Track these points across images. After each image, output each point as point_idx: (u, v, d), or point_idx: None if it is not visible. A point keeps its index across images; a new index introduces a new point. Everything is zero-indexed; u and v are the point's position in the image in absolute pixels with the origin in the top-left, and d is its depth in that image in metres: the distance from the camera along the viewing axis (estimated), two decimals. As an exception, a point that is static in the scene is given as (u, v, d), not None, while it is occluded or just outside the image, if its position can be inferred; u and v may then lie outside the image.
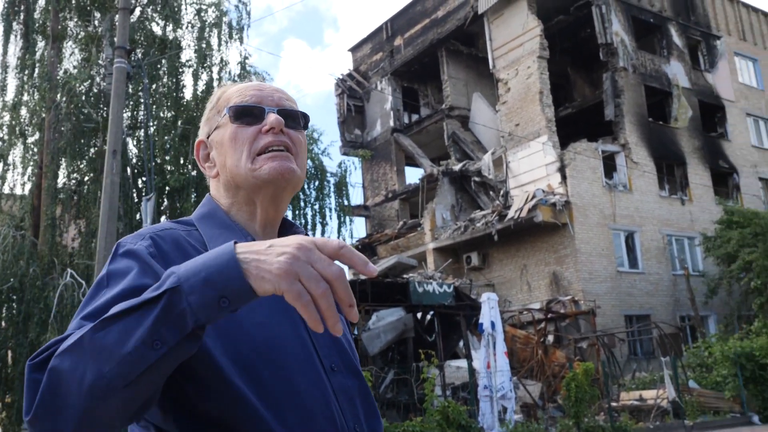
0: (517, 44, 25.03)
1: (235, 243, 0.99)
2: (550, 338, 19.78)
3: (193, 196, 14.66)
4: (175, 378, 1.10)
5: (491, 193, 25.33)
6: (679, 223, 25.09)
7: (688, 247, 25.12)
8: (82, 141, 14.68)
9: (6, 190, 15.58)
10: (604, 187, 23.32)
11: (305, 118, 1.40)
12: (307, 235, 1.34)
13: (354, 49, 34.80)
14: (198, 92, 15.62)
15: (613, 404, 15.63)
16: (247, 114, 1.35)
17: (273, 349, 1.20)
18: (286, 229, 1.44)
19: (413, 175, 35.45)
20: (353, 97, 32.73)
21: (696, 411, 15.52)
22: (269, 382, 1.17)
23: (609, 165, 24.17)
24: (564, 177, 22.51)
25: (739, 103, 29.23)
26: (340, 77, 33.12)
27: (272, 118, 1.34)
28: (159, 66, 15.50)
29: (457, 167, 26.14)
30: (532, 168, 23.56)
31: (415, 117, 32.37)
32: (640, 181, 24.30)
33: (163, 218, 15.16)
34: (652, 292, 23.40)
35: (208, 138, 1.42)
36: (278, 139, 1.34)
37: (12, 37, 15.61)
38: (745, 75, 30.44)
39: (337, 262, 0.98)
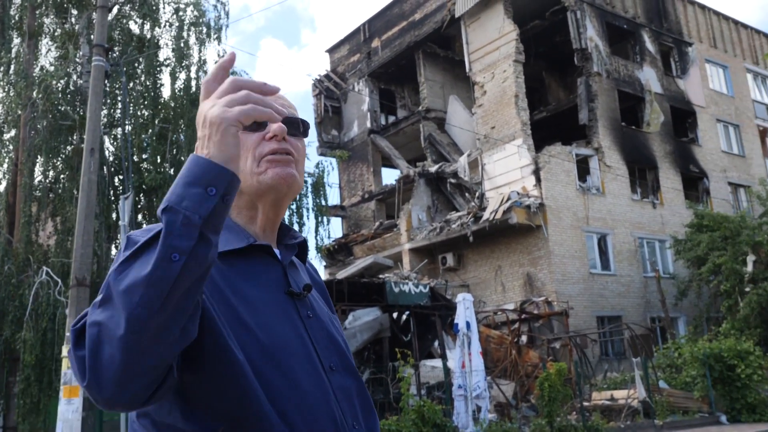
0: (494, 48, 25.29)
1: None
2: (524, 338, 19.99)
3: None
4: (187, 371, 1.15)
5: (467, 194, 25.53)
6: (650, 226, 25.51)
7: (659, 250, 25.54)
8: (59, 139, 14.57)
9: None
10: (578, 190, 23.63)
11: (305, 125, 1.43)
12: (304, 239, 1.46)
13: (331, 51, 34.84)
14: (176, 91, 15.59)
15: (585, 404, 15.83)
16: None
17: (277, 350, 1.24)
18: (284, 233, 1.47)
19: (390, 176, 35.67)
20: (330, 98, 32.76)
21: (666, 411, 15.80)
22: (273, 381, 1.21)
23: (583, 168, 24.50)
24: (538, 180, 22.79)
25: (709, 109, 29.80)
26: (318, 78, 33.15)
27: (276, 126, 1.37)
28: (137, 64, 15.44)
29: (433, 169, 26.30)
30: (508, 170, 23.81)
31: (391, 118, 32.48)
32: (613, 185, 24.67)
33: (140, 216, 15.11)
34: (623, 294, 23.76)
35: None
36: (281, 147, 1.38)
37: (-13, 33, 15.46)
38: (716, 81, 31.02)
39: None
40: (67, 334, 9.95)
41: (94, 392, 1.02)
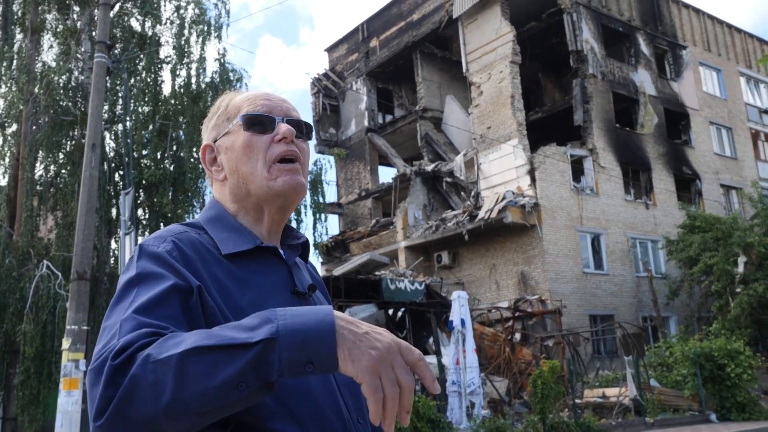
0: (490, 49, 25.49)
1: (334, 313, 1.05)
2: (518, 336, 20.17)
3: (170, 191, 14.75)
4: None
5: (462, 193, 25.73)
6: (643, 227, 25.75)
7: (652, 250, 25.79)
8: (60, 134, 14.69)
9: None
10: (572, 190, 23.86)
11: (308, 127, 1.46)
12: (307, 239, 1.54)
13: (330, 50, 34.98)
14: (176, 88, 15.74)
15: (577, 401, 16.00)
16: (259, 123, 1.40)
17: None
18: (287, 233, 1.49)
19: (386, 175, 35.71)
20: (329, 96, 32.91)
21: (656, 408, 15.99)
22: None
23: (577, 169, 24.71)
24: (533, 179, 23.00)
25: (702, 112, 30.06)
26: (316, 77, 33.29)
27: (284, 128, 1.41)
28: (138, 61, 15.58)
29: (429, 168, 26.49)
30: (503, 170, 24.02)
31: (389, 117, 32.63)
32: (607, 185, 24.90)
33: (139, 212, 15.27)
34: (616, 293, 24.00)
35: (215, 142, 1.46)
36: (290, 149, 1.41)
37: (-10, 29, 15.59)
38: (709, 84, 31.28)
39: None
40: (70, 327, 10.11)
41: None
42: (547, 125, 27.16)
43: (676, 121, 29.15)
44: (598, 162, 24.76)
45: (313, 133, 1.56)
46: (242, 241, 1.35)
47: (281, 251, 1.43)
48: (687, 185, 28.75)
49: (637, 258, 25.18)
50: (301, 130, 1.45)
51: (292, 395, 1.22)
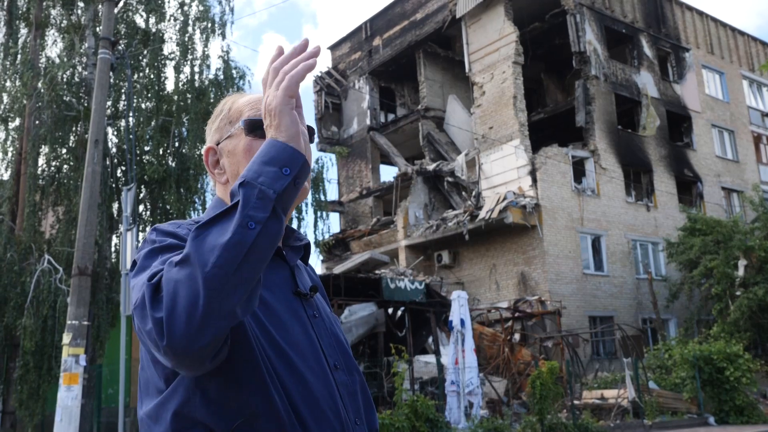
0: (493, 49, 25.49)
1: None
2: (517, 337, 20.20)
3: (174, 188, 14.74)
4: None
5: (463, 193, 25.74)
6: (643, 229, 25.76)
7: (652, 252, 25.80)
8: (63, 129, 14.71)
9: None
10: (573, 192, 23.87)
11: (311, 131, 1.45)
12: (307, 241, 1.56)
13: (333, 48, 34.98)
14: (180, 85, 15.75)
15: (576, 402, 16.02)
16: (260, 127, 1.38)
17: (288, 348, 1.30)
18: (288, 234, 1.51)
19: (388, 174, 35.89)
20: (331, 94, 32.92)
21: (655, 411, 16.01)
22: (285, 378, 1.27)
23: (578, 170, 24.73)
24: (535, 180, 23.02)
25: (705, 114, 30.06)
26: (319, 75, 33.30)
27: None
28: (141, 58, 15.59)
29: (431, 167, 26.50)
30: (504, 170, 24.03)
31: (391, 116, 32.65)
32: (608, 187, 24.91)
33: (141, 208, 15.28)
34: (616, 295, 24.01)
35: (217, 145, 1.48)
36: None
37: (-5, 23, 15.61)
38: (712, 87, 31.27)
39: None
40: (70, 322, 10.14)
41: (171, 341, 1.08)
42: (549, 126, 27.17)
43: (678, 123, 29.16)
44: (600, 163, 24.77)
45: (315, 134, 1.55)
46: None
47: (284, 252, 1.46)
48: (688, 188, 28.75)
49: (637, 260, 25.19)
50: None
51: (293, 396, 1.26)
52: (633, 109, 27.33)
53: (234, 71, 16.57)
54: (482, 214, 22.57)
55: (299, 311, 1.38)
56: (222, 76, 16.22)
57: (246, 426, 1.21)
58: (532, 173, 23.13)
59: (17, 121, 15.54)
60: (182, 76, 15.86)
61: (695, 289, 22.87)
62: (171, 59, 15.96)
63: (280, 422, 1.22)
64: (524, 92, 24.99)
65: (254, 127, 1.42)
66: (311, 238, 17.21)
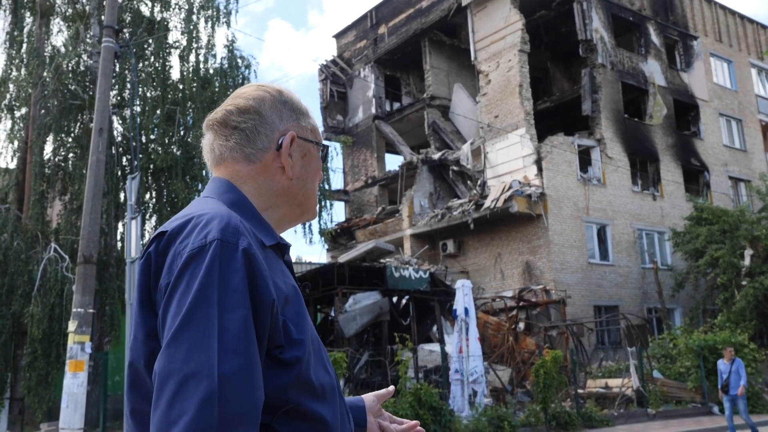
0: (499, 37, 25.38)
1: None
2: (521, 325, 20.25)
3: (180, 176, 14.77)
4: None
5: (469, 182, 25.72)
6: (649, 218, 25.70)
7: (658, 242, 25.74)
8: (69, 118, 14.76)
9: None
10: (579, 181, 23.82)
11: None
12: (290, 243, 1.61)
13: (338, 36, 34.90)
14: (185, 73, 15.76)
15: (580, 391, 16.08)
16: (325, 157, 1.57)
17: (317, 338, 1.35)
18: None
19: (393, 162, 35.86)
20: (336, 83, 32.87)
21: (659, 400, 16.06)
22: (317, 369, 1.29)
23: (584, 159, 24.66)
24: (540, 169, 22.97)
25: (712, 103, 29.88)
26: (324, 63, 33.23)
27: (322, 175, 1.56)
28: (146, 46, 15.60)
29: (436, 156, 26.48)
30: (510, 159, 23.99)
31: (396, 105, 32.61)
32: (614, 176, 24.84)
33: (147, 196, 15.34)
34: (621, 284, 24.00)
35: (297, 138, 1.45)
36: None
37: (1, 12, 15.62)
38: (720, 76, 31.07)
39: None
40: (76, 310, 10.21)
41: None
42: (555, 115, 27.08)
43: (685, 112, 29.01)
44: (606, 152, 24.69)
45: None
46: (269, 235, 1.35)
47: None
48: (695, 177, 28.64)
49: (643, 249, 25.15)
50: None
51: (325, 387, 1.29)
52: (640, 98, 27.20)
53: (239, 60, 16.58)
54: (487, 203, 22.55)
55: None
56: (227, 65, 16.22)
57: (292, 411, 1.22)
58: (538, 162, 23.08)
59: (23, 110, 15.60)
60: (187, 65, 15.88)
61: (701, 279, 22.86)
62: (176, 48, 15.99)
63: (318, 415, 1.26)
64: (530, 81, 24.89)
65: (322, 157, 1.52)
66: (315, 228, 17.27)
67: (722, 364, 12.54)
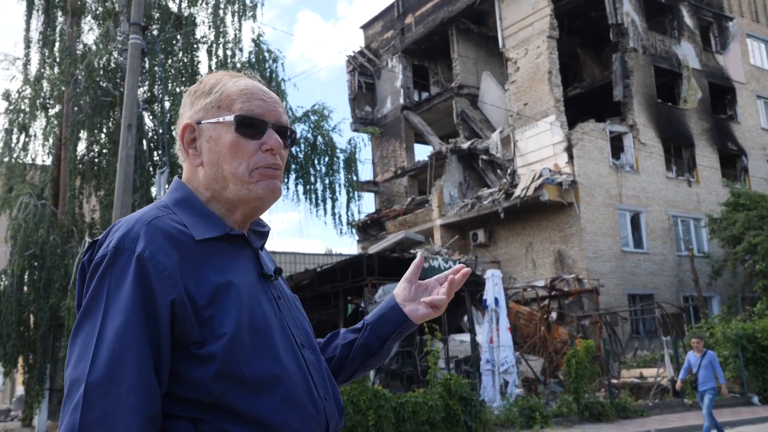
0: (527, 24, 25.08)
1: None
2: (554, 315, 20.10)
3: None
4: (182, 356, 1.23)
5: (498, 171, 25.54)
6: (685, 205, 25.26)
7: (694, 229, 25.30)
8: (101, 114, 14.99)
9: (28, 160, 16.01)
10: (611, 168, 23.49)
11: (293, 135, 1.47)
12: (269, 228, 1.55)
13: (365, 27, 34.86)
14: (212, 68, 15.89)
15: (614, 381, 15.92)
16: (249, 125, 1.38)
17: (261, 327, 1.30)
18: (255, 223, 1.50)
19: (422, 153, 35.76)
20: (364, 74, 32.85)
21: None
22: (259, 356, 1.27)
23: (616, 145, 24.30)
24: (571, 157, 22.70)
25: (749, 85, 29.19)
26: (352, 55, 33.22)
27: (274, 140, 1.40)
28: (174, 42, 15.75)
29: (465, 145, 26.33)
30: (540, 147, 23.75)
31: (424, 95, 32.48)
32: (648, 162, 24.44)
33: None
34: (656, 272, 23.64)
35: (198, 124, 1.41)
36: (274, 162, 1.41)
37: (34, 12, 15.91)
38: (757, 57, 30.31)
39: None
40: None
41: None
42: (586, 101, 26.71)
43: (721, 95, 28.39)
44: (639, 138, 24.30)
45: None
46: (212, 228, 1.34)
47: (248, 236, 1.45)
48: (732, 161, 28.05)
49: (678, 236, 24.74)
50: (286, 137, 1.45)
51: (266, 376, 1.27)
52: (673, 82, 26.69)
53: (266, 53, 16.63)
54: (517, 191, 22.37)
55: (266, 292, 1.39)
56: (255, 59, 16.30)
57: (213, 408, 1.23)
58: (569, 150, 22.81)
59: (57, 108, 15.89)
60: (215, 59, 16.00)
61: (739, 266, 22.44)
62: (203, 43, 16.11)
63: (250, 404, 1.24)
64: (560, 67, 24.57)
65: (244, 125, 1.38)
66: (344, 219, 17.30)
67: (692, 357, 11.06)
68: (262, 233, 1.50)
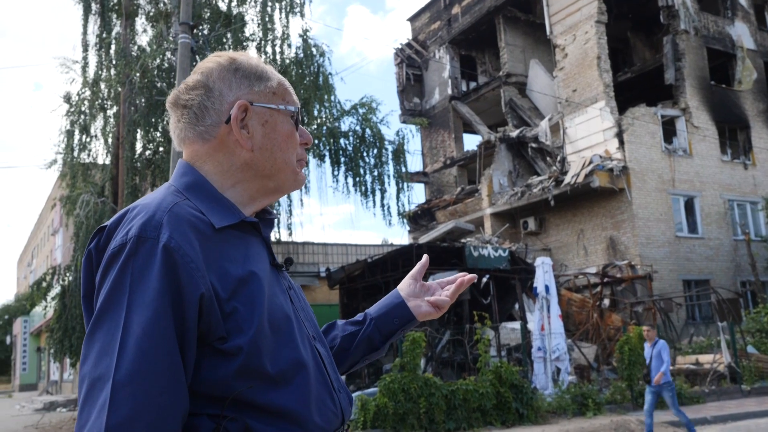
0: (575, 9, 24.79)
1: None
2: (606, 302, 19.93)
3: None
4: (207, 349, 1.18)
5: (548, 159, 25.37)
6: (741, 188, 24.68)
7: (751, 212, 24.70)
8: (156, 113, 15.51)
9: (89, 159, 16.68)
10: (663, 152, 23.10)
11: None
12: (276, 216, 1.59)
13: (412, 19, 34.90)
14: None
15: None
16: (298, 120, 1.42)
17: (281, 318, 1.27)
18: (263, 210, 1.45)
19: (471, 142, 35.68)
20: (412, 66, 32.94)
21: (753, 376, 15.55)
22: (281, 348, 1.24)
23: (668, 130, 23.88)
24: (622, 142, 22.41)
25: (808, 64, 28.25)
26: (400, 47, 33.35)
27: (308, 135, 1.45)
28: (224, 40, 16.17)
29: (514, 134, 26.22)
30: (590, 134, 23.50)
31: (472, 85, 32.38)
32: (701, 146, 23.95)
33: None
34: (711, 257, 23.20)
35: (251, 105, 1.35)
36: (306, 156, 1.48)
37: (90, 16, 16.53)
38: (816, 34, 29.28)
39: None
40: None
41: None
42: (637, 86, 26.28)
43: (778, 75, 27.56)
44: (692, 122, 23.82)
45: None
46: (227, 214, 1.28)
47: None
48: (790, 143, 27.22)
49: (734, 221, 24.20)
50: None
51: (288, 369, 1.24)
52: (727, 63, 26.03)
53: (314, 49, 16.93)
54: (567, 179, 22.21)
55: (280, 282, 1.36)
56: (302, 55, 16.61)
57: (237, 402, 1.19)
58: (619, 135, 22.52)
59: (114, 109, 16.49)
60: (264, 57, 16.36)
61: (798, 250, 21.87)
62: (252, 40, 16.48)
63: (275, 395, 1.21)
64: (609, 52, 24.22)
65: (297, 118, 1.41)
66: (393, 210, 17.52)
67: (646, 347, 10.16)
68: (270, 222, 1.45)
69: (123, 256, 1.13)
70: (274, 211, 1.50)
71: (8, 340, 51.95)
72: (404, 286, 1.61)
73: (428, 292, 1.61)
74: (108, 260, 1.15)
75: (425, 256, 1.68)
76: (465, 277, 1.58)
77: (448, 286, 1.60)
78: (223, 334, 1.17)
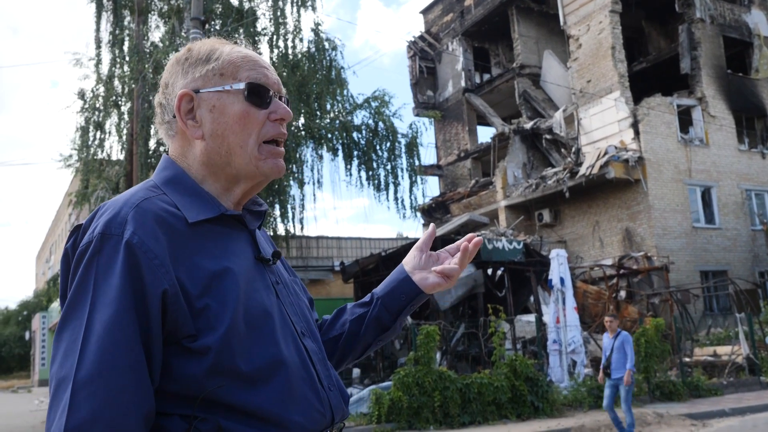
0: (589, -1, 24.60)
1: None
2: (622, 294, 19.81)
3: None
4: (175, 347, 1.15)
5: (563, 150, 25.21)
6: (759, 178, 24.41)
7: (769, 202, 24.46)
8: (169, 109, 15.54)
9: (104, 156, 16.78)
10: (680, 142, 22.89)
11: (288, 104, 1.41)
12: (266, 207, 1.44)
13: (425, 11, 34.77)
14: (273, 60, 16.26)
15: (687, 360, 15.64)
16: (258, 94, 1.31)
17: (259, 315, 1.23)
18: (251, 201, 1.42)
19: (485, 135, 35.47)
20: (425, 58, 32.83)
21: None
22: (257, 347, 1.20)
23: (684, 119, 23.65)
24: (637, 133, 22.22)
25: (828, 51, 27.85)
26: (412, 40, 33.24)
27: (284, 109, 1.34)
28: (236, 35, 16.18)
29: (528, 125, 26.08)
30: (604, 124, 23.32)
31: (486, 77, 32.22)
32: (718, 135, 23.70)
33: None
34: (729, 248, 22.98)
35: (197, 93, 1.30)
36: (283, 132, 1.34)
37: (103, 13, 16.60)
38: (835, 21, 28.86)
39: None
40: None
41: None
42: (652, 75, 26.04)
43: (796, 63, 27.19)
44: (708, 111, 23.57)
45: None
46: (206, 208, 1.26)
47: (244, 217, 1.36)
48: (809, 132, 26.88)
49: (752, 211, 23.95)
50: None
51: (265, 367, 1.20)
52: (744, 52, 25.74)
53: (326, 43, 16.90)
54: (582, 170, 22.06)
55: (264, 277, 1.31)
56: (314, 48, 16.59)
57: (208, 402, 1.15)
58: (635, 125, 22.32)
59: (128, 105, 16.56)
60: (276, 51, 16.35)
61: (817, 240, 21.60)
62: (264, 35, 16.48)
63: (250, 395, 1.17)
64: (624, 42, 24.00)
65: (254, 93, 1.30)
66: (407, 203, 17.49)
67: (606, 339, 9.66)
68: (259, 213, 1.41)
69: (88, 254, 1.13)
70: (264, 202, 1.46)
71: (27, 335, 52.53)
72: (409, 259, 1.55)
73: (437, 262, 1.53)
74: (76, 259, 1.14)
75: (432, 225, 1.62)
76: (471, 241, 1.47)
77: (457, 255, 1.50)
78: (193, 332, 1.14)
